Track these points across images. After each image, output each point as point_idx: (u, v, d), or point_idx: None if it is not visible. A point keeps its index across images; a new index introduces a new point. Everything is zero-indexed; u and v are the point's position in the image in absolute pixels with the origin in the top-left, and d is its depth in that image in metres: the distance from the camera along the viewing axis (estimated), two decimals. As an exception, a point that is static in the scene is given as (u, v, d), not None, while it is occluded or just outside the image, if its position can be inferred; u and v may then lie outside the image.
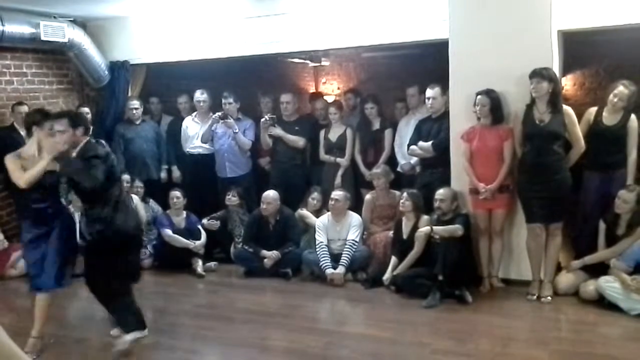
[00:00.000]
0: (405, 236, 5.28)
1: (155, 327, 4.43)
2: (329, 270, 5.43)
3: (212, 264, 6.09)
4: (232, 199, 6.24)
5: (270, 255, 5.72)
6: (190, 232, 6.16)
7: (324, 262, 5.49)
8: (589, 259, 4.80)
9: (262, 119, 6.46)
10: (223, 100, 6.57)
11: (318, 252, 5.57)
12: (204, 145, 6.71)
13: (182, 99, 7.09)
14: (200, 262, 5.98)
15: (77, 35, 6.59)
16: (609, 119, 4.94)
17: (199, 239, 6.12)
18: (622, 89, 4.86)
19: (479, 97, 4.93)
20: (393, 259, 5.28)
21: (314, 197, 6.07)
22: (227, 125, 6.47)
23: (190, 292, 5.58)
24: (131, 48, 6.94)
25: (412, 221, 5.26)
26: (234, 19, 6.42)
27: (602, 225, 4.82)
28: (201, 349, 4.27)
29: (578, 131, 4.79)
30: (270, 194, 5.89)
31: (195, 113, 6.83)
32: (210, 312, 4.96)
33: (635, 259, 4.51)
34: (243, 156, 6.64)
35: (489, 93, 4.90)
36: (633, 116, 4.89)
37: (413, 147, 5.55)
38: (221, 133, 6.57)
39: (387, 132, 6.12)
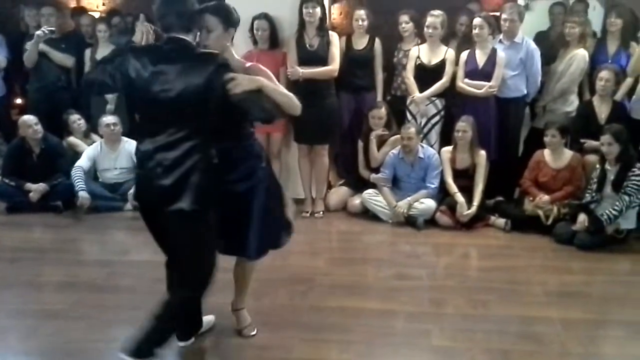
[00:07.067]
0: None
1: None
2: (82, 193, 5.15)
3: (-34, 201, 5.39)
4: (-17, 127, 5.49)
5: (36, 189, 5.25)
6: None
7: (77, 185, 5.17)
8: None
9: (38, 32, 5.57)
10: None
11: (73, 176, 5.23)
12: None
13: None
14: (-50, 201, 5.24)
15: None
16: (357, 43, 5.36)
17: (-55, 173, 5.33)
18: (359, 12, 5.31)
19: (257, 21, 4.97)
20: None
21: (74, 120, 5.64)
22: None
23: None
24: None
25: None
26: None
27: (360, 144, 5.33)
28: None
29: (335, 52, 5.07)
30: (31, 118, 5.32)
31: None
32: (-29, 253, 4.43)
33: (391, 165, 5.09)
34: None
35: (267, 17, 4.98)
36: (377, 40, 5.36)
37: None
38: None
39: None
